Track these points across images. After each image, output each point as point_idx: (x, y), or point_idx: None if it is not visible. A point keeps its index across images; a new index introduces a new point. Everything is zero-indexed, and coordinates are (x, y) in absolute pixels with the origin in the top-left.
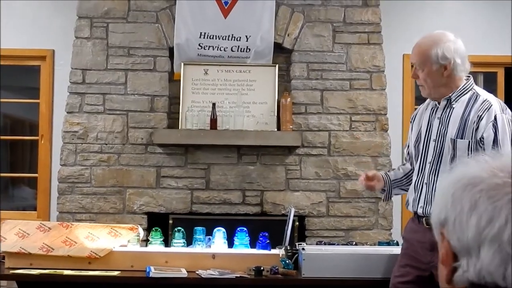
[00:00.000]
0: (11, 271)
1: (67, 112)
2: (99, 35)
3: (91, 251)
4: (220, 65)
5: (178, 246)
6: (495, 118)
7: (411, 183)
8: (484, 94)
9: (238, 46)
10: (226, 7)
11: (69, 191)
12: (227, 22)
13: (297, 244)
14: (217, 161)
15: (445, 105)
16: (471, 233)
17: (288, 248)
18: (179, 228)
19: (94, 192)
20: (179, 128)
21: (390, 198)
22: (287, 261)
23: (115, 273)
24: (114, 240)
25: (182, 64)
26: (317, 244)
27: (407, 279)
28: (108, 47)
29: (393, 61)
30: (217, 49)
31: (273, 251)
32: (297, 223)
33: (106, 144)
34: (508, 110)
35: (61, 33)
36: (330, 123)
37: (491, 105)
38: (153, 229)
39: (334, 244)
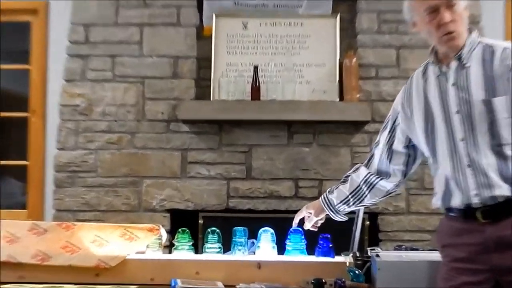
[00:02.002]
0: None
1: (66, 81)
2: None
3: (99, 259)
4: (263, 16)
5: (212, 252)
6: None
7: (361, 201)
8: (498, 43)
9: None
10: None
11: (68, 182)
12: None
13: (369, 249)
14: (261, 142)
15: (457, 67)
16: None
17: (358, 255)
18: (214, 228)
19: (101, 183)
20: (211, 99)
21: (340, 217)
22: (357, 272)
23: None
24: (128, 245)
25: (214, 16)
26: (395, 249)
27: None
28: None
29: (492, 9)
30: None
31: (338, 259)
32: (368, 222)
33: (116, 121)
34: None
35: None
36: None
37: None
38: (179, 230)
39: (418, 250)
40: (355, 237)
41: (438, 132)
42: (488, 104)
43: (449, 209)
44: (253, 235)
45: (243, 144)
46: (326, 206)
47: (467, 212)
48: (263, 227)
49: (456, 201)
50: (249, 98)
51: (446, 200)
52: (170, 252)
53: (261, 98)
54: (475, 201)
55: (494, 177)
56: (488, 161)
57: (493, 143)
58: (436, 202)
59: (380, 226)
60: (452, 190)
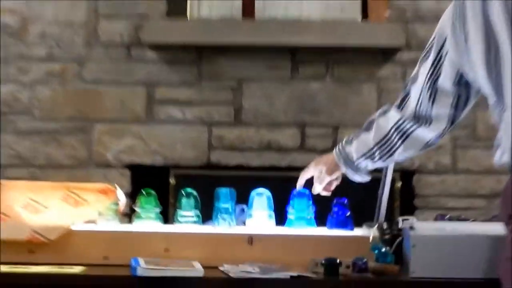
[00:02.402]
0: None
1: None
2: None
3: (34, 231)
4: None
5: (187, 222)
6: None
7: (390, 155)
8: None
9: None
10: None
11: None
12: None
13: (400, 219)
14: (255, 75)
15: None
16: None
17: (385, 227)
18: (190, 190)
19: (39, 129)
20: (187, 16)
21: (361, 176)
22: (383, 249)
23: (76, 269)
24: (74, 211)
25: None
26: (437, 219)
27: None
28: None
29: None
30: None
31: (358, 232)
32: (400, 183)
33: (60, 46)
34: None
35: None
36: None
37: None
38: (143, 192)
39: (468, 220)
40: (382, 203)
41: (505, 63)
42: None
43: None
44: (243, 199)
45: (230, 77)
46: (343, 162)
47: None
48: (256, 189)
49: None
50: (240, 16)
51: None
52: (130, 222)
53: (256, 16)
54: None
55: None
56: None
57: None
58: (501, 156)
59: (416, 188)
60: None
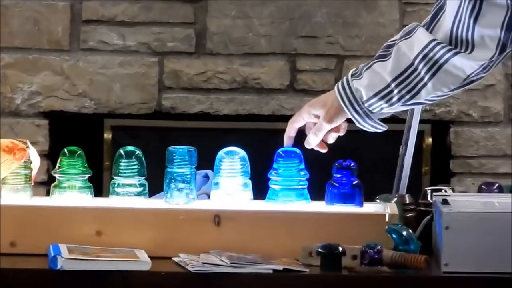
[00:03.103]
0: None
1: None
2: None
3: None
4: None
5: (127, 194)
6: None
7: (414, 95)
8: None
9: None
10: None
11: None
12: None
13: (429, 190)
14: None
15: None
16: None
17: (408, 201)
18: (132, 149)
19: None
20: None
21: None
22: (405, 233)
23: None
24: None
25: None
26: (481, 190)
27: None
28: None
29: None
30: None
31: (369, 208)
32: (431, 138)
33: None
34: None
35: None
36: None
37: None
38: (66, 151)
39: None
40: (404, 166)
41: None
42: None
43: None
44: (207, 161)
45: None
46: (348, 103)
47: None
48: (226, 147)
49: None
50: None
51: None
52: (48, 194)
53: None
54: None
55: None
56: None
57: None
58: None
59: (452, 146)
60: None
